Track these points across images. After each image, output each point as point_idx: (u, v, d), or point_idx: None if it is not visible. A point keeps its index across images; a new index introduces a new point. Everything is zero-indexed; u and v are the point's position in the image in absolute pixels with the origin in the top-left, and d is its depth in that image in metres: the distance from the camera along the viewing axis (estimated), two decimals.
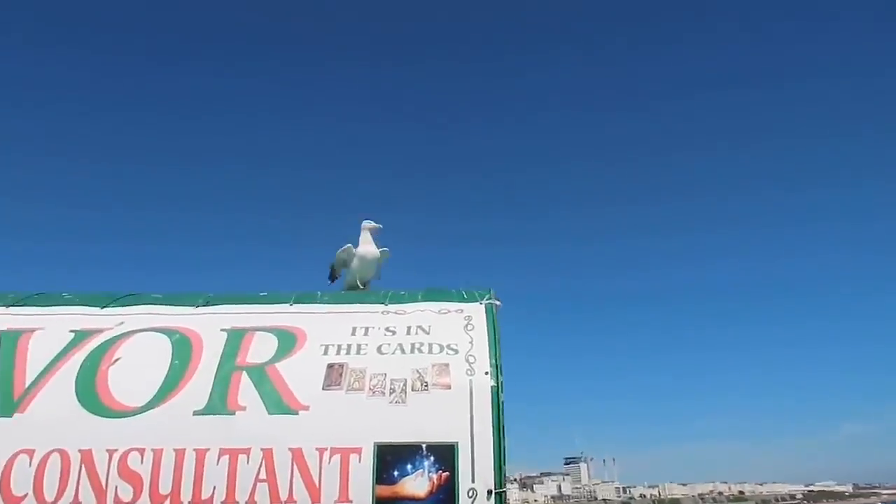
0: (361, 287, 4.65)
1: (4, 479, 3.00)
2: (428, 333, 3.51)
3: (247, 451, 3.05)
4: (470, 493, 2.97)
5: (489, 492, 2.97)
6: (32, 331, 3.55)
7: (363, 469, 3.01)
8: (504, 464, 3.04)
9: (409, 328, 3.55)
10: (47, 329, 3.57)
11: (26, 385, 3.26)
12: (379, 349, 3.42)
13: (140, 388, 3.25)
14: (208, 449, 3.05)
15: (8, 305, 3.81)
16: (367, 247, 4.66)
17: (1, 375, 3.30)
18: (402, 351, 3.40)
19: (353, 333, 3.52)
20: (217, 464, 3.03)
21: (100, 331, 3.55)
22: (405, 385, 3.23)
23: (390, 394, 3.21)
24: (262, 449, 3.05)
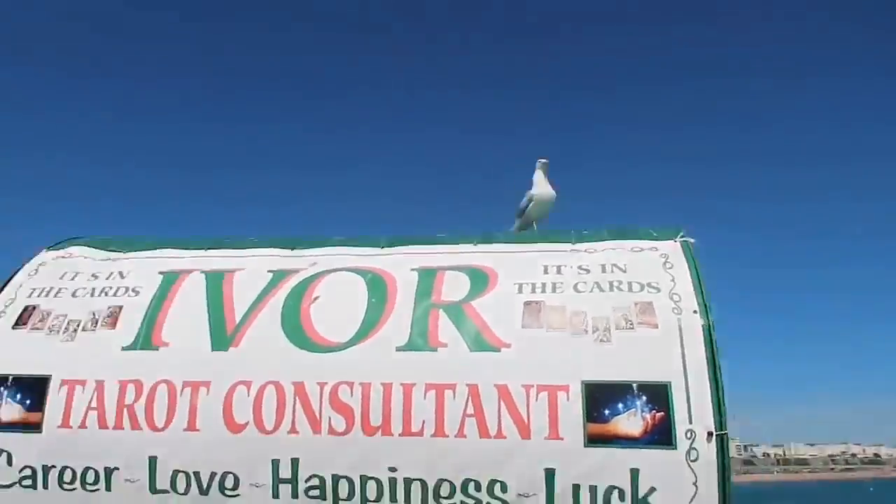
0: (534, 228, 4.54)
1: (227, 408, 3.17)
2: (624, 272, 3.37)
3: (452, 387, 3.05)
4: (688, 434, 2.84)
5: (709, 433, 2.83)
6: (233, 271, 3.70)
7: (572, 407, 2.95)
8: (724, 405, 2.88)
9: (603, 266, 3.43)
10: (247, 269, 3.71)
11: (236, 321, 3.42)
12: (575, 287, 3.32)
13: (342, 325, 3.32)
14: (414, 384, 3.08)
15: (206, 248, 4.00)
16: (543, 186, 4.53)
17: (212, 312, 3.47)
18: (601, 289, 3.29)
19: (546, 272, 3.44)
20: (424, 398, 3.06)
21: (295, 271, 3.65)
22: (608, 323, 3.12)
23: (593, 332, 3.11)
24: (467, 385, 3.04)
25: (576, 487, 2.88)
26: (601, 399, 2.94)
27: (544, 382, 3.01)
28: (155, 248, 4.01)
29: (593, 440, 2.90)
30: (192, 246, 4.03)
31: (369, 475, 3.03)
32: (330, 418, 3.09)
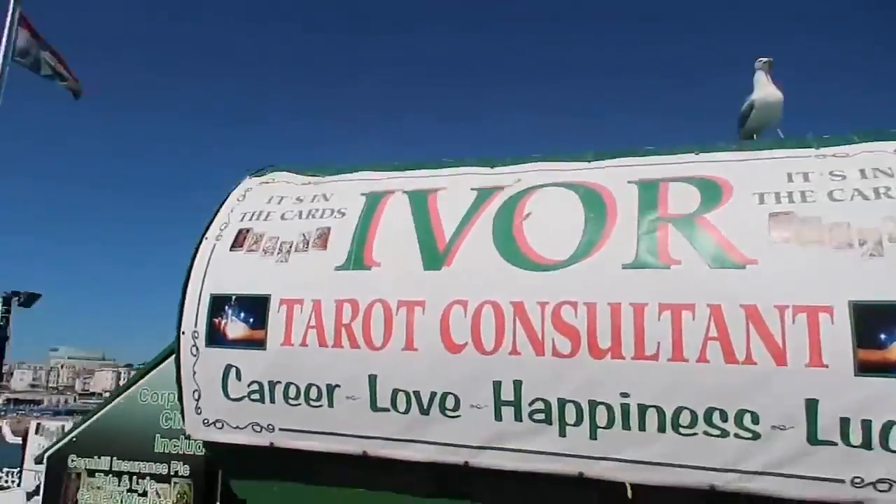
0: (756, 138, 4.03)
1: (444, 328, 3.08)
2: (892, 176, 2.87)
3: (690, 307, 2.77)
4: None
5: None
6: (436, 191, 3.57)
7: (838, 330, 2.57)
8: None
9: (862, 171, 2.94)
10: (450, 189, 3.57)
11: (447, 240, 3.29)
12: (830, 195, 2.87)
13: (560, 242, 3.10)
14: (646, 304, 2.83)
15: (402, 170, 3.89)
16: (766, 89, 3.98)
17: (421, 232, 3.37)
18: (864, 197, 2.82)
19: (791, 180, 3.01)
20: (658, 319, 2.80)
21: (500, 188, 3.46)
22: (879, 235, 2.68)
23: (860, 245, 2.68)
24: (708, 305, 2.74)
25: (844, 421, 2.54)
26: (875, 322, 2.54)
27: (802, 303, 2.64)
28: (352, 172, 3.97)
29: (866, 368, 2.52)
30: (387, 168, 3.94)
31: (599, 400, 2.85)
32: (553, 340, 2.92)
